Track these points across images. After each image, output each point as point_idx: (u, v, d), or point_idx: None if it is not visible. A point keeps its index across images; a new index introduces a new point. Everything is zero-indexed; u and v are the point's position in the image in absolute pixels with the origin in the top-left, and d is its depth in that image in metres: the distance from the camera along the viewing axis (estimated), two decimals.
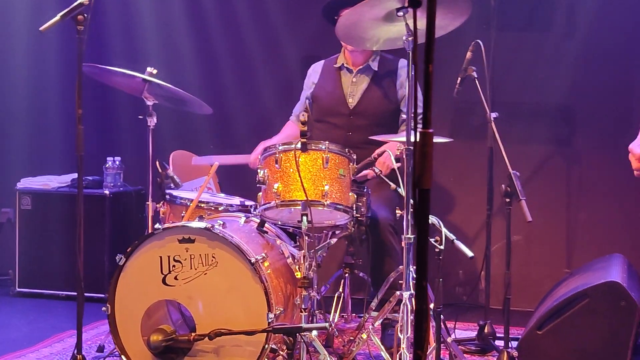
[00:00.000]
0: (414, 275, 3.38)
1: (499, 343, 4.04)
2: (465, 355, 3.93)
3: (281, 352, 3.34)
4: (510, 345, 3.79)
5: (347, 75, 4.48)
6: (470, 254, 3.66)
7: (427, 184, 1.62)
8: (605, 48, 5.06)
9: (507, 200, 3.78)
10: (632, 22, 5.00)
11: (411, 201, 3.42)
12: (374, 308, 3.84)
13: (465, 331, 4.40)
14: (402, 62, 4.44)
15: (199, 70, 5.70)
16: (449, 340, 3.67)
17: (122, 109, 5.50)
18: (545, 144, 5.21)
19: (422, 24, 1.64)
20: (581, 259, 4.98)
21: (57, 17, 3.38)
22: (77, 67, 3.46)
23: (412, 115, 3.60)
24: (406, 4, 3.36)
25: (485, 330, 4.12)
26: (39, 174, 5.51)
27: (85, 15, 3.40)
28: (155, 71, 3.86)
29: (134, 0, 5.79)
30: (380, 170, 3.85)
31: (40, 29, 3.41)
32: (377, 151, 3.97)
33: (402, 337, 3.38)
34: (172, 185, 3.95)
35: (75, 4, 3.36)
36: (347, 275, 4.25)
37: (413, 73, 3.47)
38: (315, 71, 4.61)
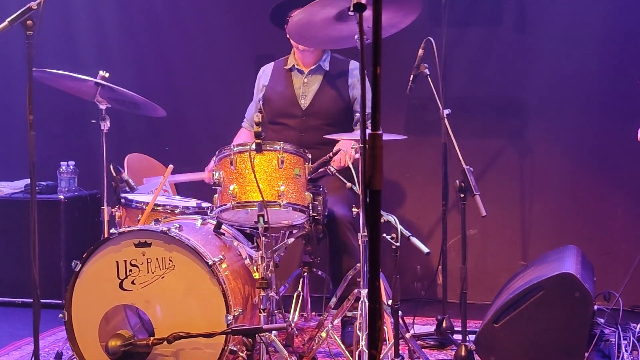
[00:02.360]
0: None
1: (457, 337, 4.08)
2: (424, 350, 3.96)
3: (241, 354, 3.34)
4: (468, 339, 3.83)
5: (298, 77, 4.49)
6: (426, 250, 3.69)
7: (378, 185, 1.64)
8: (554, 41, 5.14)
9: (462, 195, 3.82)
10: (580, 14, 5.08)
11: None
12: (333, 306, 3.85)
13: (424, 326, 4.44)
14: (353, 64, 4.47)
15: (152, 72, 5.67)
16: (407, 336, 3.70)
17: (75, 113, 5.45)
18: (497, 138, 5.27)
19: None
20: (536, 251, 5.05)
21: (6, 23, 3.33)
22: (28, 73, 3.42)
23: (364, 115, 3.61)
24: (351, 9, 3.37)
25: (444, 325, 4.16)
26: None
27: (34, 20, 3.37)
28: (107, 74, 3.82)
29: (83, 3, 5.73)
30: (335, 169, 3.87)
31: None
32: (334, 150, 3.98)
33: (361, 334, 3.40)
34: (127, 188, 3.93)
35: (24, 9, 3.32)
36: (305, 274, 4.26)
37: (364, 73, 3.49)
38: (265, 74, 4.60)
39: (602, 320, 4.22)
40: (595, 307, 3.82)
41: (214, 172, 3.57)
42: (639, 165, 5.02)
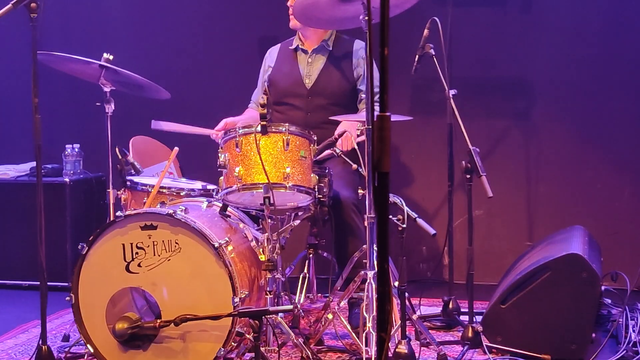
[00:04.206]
0: None
1: (464, 318, 4.08)
2: (430, 331, 3.96)
3: (247, 336, 3.34)
4: (474, 320, 3.83)
5: (302, 56, 4.47)
6: (432, 231, 3.69)
7: (386, 167, 1.62)
8: (560, 21, 5.10)
9: (468, 176, 3.80)
10: None
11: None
12: (339, 288, 3.85)
13: (430, 307, 4.43)
14: (358, 44, 4.44)
15: (156, 55, 5.65)
16: (414, 317, 3.69)
17: (80, 96, 5.42)
18: (503, 119, 5.25)
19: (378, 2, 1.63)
20: (542, 231, 5.03)
21: (10, 6, 3.32)
22: (32, 56, 3.41)
23: (372, 98, 3.59)
24: None
25: (450, 306, 4.15)
26: None
27: (38, 2, 3.35)
28: (111, 57, 3.81)
29: None
30: (341, 151, 3.85)
31: None
32: (337, 131, 3.96)
33: (367, 316, 3.40)
34: (132, 171, 3.92)
35: None
36: (311, 255, 4.26)
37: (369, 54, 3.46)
38: (271, 55, 4.59)
39: (609, 301, 4.21)
40: (603, 287, 3.80)
41: (220, 155, 3.56)
42: None
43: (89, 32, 5.68)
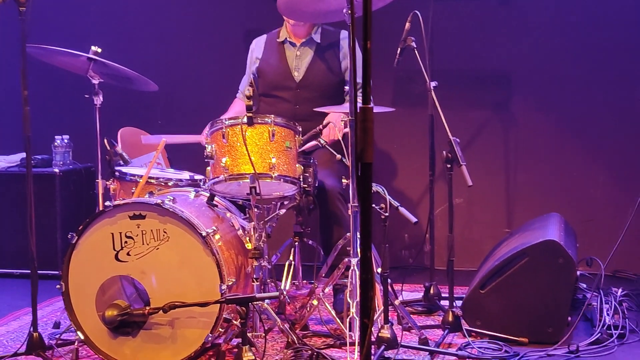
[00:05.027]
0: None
1: (444, 303, 4.10)
2: (412, 316, 3.98)
3: (235, 322, 3.34)
4: (455, 305, 3.85)
5: (291, 49, 4.46)
6: (414, 219, 3.71)
7: (369, 158, 1.62)
8: (538, 14, 5.12)
9: (448, 165, 3.81)
10: None
11: None
12: (324, 275, 3.86)
13: (412, 292, 4.45)
14: (344, 33, 4.44)
15: (144, 47, 5.61)
16: (396, 302, 3.71)
17: (69, 88, 5.38)
18: (483, 110, 5.26)
19: None
20: (520, 218, 5.07)
21: None
22: (21, 49, 3.40)
23: (356, 88, 3.60)
24: None
25: (431, 291, 4.17)
26: None
27: None
28: (99, 50, 3.79)
29: None
30: (325, 142, 3.87)
31: None
32: (323, 123, 3.96)
33: (351, 301, 3.41)
34: (121, 162, 3.89)
35: None
36: (296, 243, 4.25)
37: (354, 46, 3.46)
38: (258, 46, 4.57)
39: (585, 285, 4.25)
40: (578, 272, 3.84)
41: (207, 146, 3.55)
42: (619, 135, 5.03)
43: (78, 25, 5.64)
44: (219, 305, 3.28)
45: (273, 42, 4.51)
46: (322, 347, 3.57)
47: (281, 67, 4.43)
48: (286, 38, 4.47)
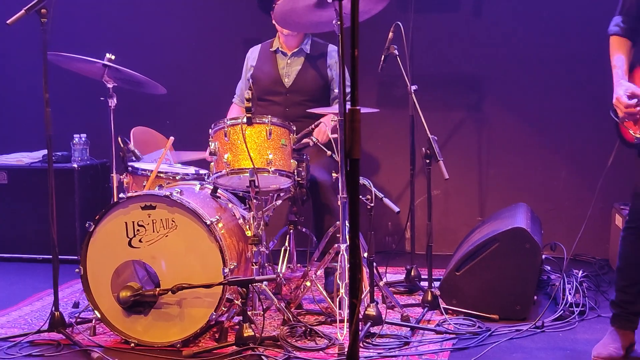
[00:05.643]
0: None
1: (424, 284, 4.10)
2: (395, 295, 3.98)
3: (236, 301, 3.35)
4: (433, 286, 3.86)
5: (282, 58, 4.44)
6: (396, 209, 3.72)
7: (357, 154, 1.62)
8: (507, 24, 5.11)
9: (427, 161, 3.82)
10: (528, 1, 5.07)
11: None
12: (316, 259, 3.85)
13: (394, 275, 4.44)
14: (331, 47, 4.45)
15: (153, 54, 5.58)
16: (381, 284, 3.72)
17: (86, 91, 5.34)
18: (458, 111, 5.25)
19: (349, 9, 1.63)
20: (491, 208, 5.07)
21: (23, 12, 3.30)
22: (43, 56, 3.39)
23: (344, 93, 3.59)
24: None
25: (412, 274, 4.17)
26: (11, 151, 5.41)
27: (48, 8, 3.32)
28: (113, 57, 3.78)
29: None
30: (317, 139, 3.87)
31: (8, 22, 3.33)
32: (316, 123, 3.96)
33: (340, 283, 3.41)
34: (133, 158, 3.88)
35: None
36: (291, 231, 4.24)
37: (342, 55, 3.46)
38: (252, 55, 4.55)
39: (549, 268, 4.26)
40: (543, 256, 3.85)
41: (210, 143, 3.55)
42: (578, 131, 5.04)
43: (93, 34, 5.61)
44: (222, 286, 3.28)
45: (266, 51, 4.49)
46: (315, 323, 3.57)
47: (272, 74, 4.42)
48: (278, 48, 4.45)
